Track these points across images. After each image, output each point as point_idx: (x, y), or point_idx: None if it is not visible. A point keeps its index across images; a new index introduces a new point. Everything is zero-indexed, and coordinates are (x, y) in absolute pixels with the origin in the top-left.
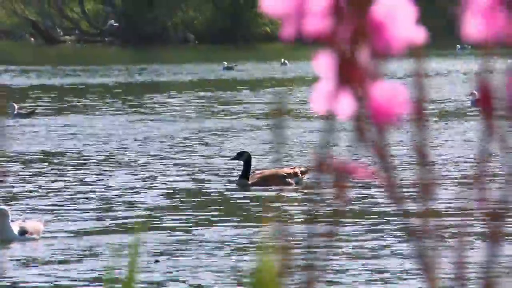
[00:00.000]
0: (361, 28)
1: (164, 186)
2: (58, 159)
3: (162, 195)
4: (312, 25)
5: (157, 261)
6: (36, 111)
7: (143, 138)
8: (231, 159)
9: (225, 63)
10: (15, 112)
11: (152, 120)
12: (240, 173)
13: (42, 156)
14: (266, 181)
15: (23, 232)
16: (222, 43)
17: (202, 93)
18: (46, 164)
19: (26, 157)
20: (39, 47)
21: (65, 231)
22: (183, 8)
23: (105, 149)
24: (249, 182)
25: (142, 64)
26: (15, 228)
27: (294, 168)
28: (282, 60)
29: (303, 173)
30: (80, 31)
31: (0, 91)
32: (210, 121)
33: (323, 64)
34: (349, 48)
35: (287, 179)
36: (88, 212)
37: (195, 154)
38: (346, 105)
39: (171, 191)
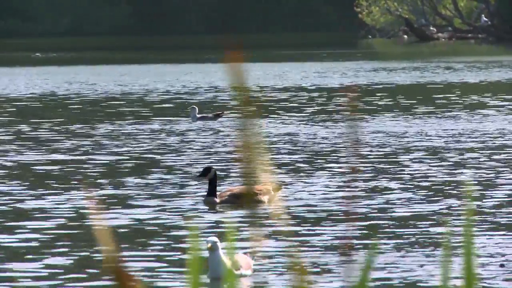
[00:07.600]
0: None
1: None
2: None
3: None
4: None
5: (502, 265)
6: (221, 114)
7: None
8: (198, 176)
9: None
10: (198, 115)
11: None
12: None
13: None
14: (237, 198)
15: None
16: None
17: None
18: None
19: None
20: (411, 44)
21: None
22: None
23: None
24: (217, 200)
25: None
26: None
27: (266, 184)
28: None
29: (275, 190)
30: (452, 28)
31: (353, 91)
32: None
33: None
34: None
35: (258, 197)
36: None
37: None
38: None
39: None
